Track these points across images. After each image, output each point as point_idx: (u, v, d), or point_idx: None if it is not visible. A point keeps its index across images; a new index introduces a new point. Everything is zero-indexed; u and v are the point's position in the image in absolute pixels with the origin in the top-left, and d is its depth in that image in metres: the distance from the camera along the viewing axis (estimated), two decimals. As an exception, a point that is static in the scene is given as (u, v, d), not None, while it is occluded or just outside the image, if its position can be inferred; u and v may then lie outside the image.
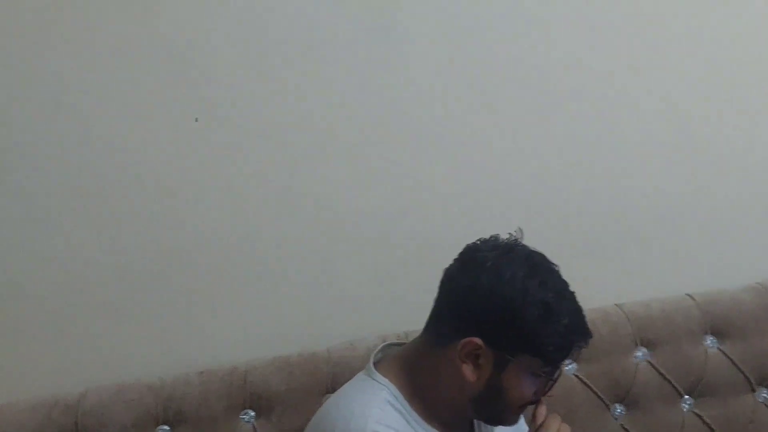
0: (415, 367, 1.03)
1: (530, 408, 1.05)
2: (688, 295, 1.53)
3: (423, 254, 1.45)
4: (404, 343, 1.11)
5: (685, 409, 1.46)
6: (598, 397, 1.43)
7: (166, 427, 1.26)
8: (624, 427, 1.43)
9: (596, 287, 1.45)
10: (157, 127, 1.33)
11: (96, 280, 1.33)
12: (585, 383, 1.42)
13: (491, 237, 1.04)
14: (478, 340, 0.96)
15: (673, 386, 1.45)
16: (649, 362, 1.45)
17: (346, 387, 1.08)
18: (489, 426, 1.10)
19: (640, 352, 1.46)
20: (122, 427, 1.24)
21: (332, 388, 1.29)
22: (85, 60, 1.28)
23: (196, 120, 1.36)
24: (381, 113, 1.42)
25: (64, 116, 1.29)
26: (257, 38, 1.35)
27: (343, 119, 1.40)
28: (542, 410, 1.04)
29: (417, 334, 1.06)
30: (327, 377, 1.31)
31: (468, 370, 0.98)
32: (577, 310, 1.00)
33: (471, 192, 1.47)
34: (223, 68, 1.34)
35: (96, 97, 1.30)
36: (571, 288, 1.01)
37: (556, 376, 1.02)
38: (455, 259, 1.04)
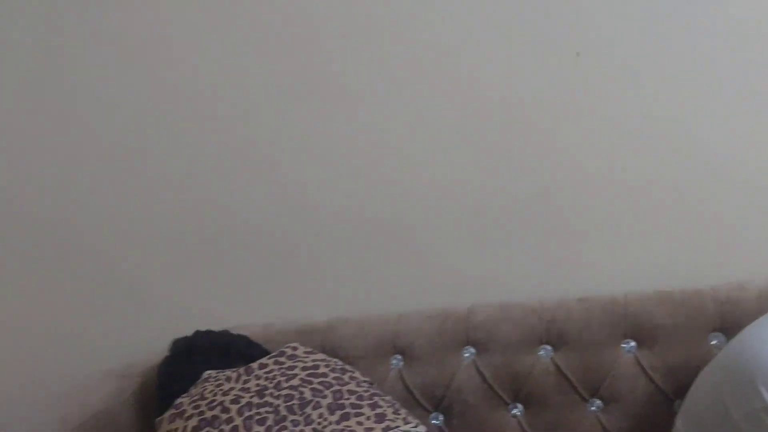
0: None
1: None
2: None
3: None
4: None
5: None
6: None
7: (549, 347, 1.34)
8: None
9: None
10: (537, 61, 1.39)
11: (488, 209, 1.45)
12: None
13: None
14: None
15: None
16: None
17: None
18: None
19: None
20: (508, 343, 1.35)
21: (721, 328, 1.26)
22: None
23: (578, 54, 1.39)
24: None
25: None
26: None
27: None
28: None
29: None
30: (714, 316, 1.27)
31: None
32: None
33: None
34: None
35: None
36: None
37: None
38: None
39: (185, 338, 1.34)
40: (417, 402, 1.36)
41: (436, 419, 1.36)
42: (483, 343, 1.36)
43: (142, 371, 1.38)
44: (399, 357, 1.39)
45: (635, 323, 1.31)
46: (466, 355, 1.37)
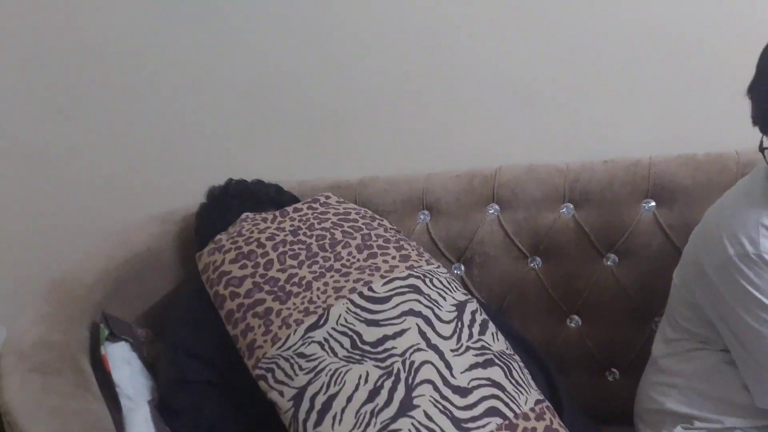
0: None
1: None
2: None
3: None
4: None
5: None
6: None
7: (571, 205, 1.39)
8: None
9: None
10: None
11: (517, 73, 1.46)
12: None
13: None
14: None
15: None
16: None
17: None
18: None
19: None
20: (532, 200, 1.40)
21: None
22: None
23: None
24: None
25: None
26: None
27: None
28: None
29: None
30: (736, 177, 1.29)
31: None
32: None
33: None
34: None
35: None
36: None
37: None
38: None
39: (220, 186, 1.41)
40: (441, 253, 1.43)
41: (458, 269, 1.44)
42: (507, 201, 1.41)
43: (182, 216, 1.46)
44: (426, 212, 1.45)
45: (657, 183, 1.34)
46: (491, 211, 1.42)
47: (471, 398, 1.01)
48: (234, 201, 1.36)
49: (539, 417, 1.03)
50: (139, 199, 1.62)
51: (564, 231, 1.38)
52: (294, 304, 1.12)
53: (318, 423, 0.99)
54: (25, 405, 1.00)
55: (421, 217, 1.45)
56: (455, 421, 0.98)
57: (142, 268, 1.35)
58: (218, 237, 1.25)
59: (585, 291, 1.38)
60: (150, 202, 1.54)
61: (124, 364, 1.18)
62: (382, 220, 1.32)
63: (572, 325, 1.41)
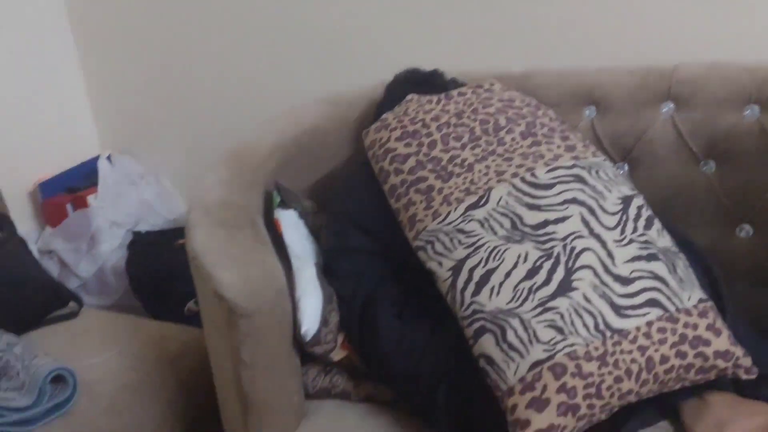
0: None
1: None
2: None
3: None
4: None
5: None
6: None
7: (757, 107, 1.29)
8: None
9: None
10: None
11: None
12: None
13: None
14: None
15: None
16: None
17: None
18: None
19: None
20: (713, 99, 1.31)
21: None
22: None
23: None
24: None
25: None
26: None
27: None
28: None
29: None
30: None
31: None
32: None
33: None
34: None
35: None
36: None
37: None
38: None
39: (404, 71, 1.42)
40: (605, 151, 1.38)
41: (622, 169, 1.39)
42: (684, 99, 1.33)
43: (348, 100, 1.50)
44: (593, 108, 1.40)
45: None
46: (665, 110, 1.35)
47: (632, 288, 1.00)
48: (401, 86, 1.38)
49: (702, 314, 1.00)
50: (309, 81, 1.69)
51: (746, 135, 1.29)
52: (455, 183, 1.15)
53: (476, 293, 1.03)
54: (211, 253, 1.11)
55: (587, 112, 1.41)
56: (614, 307, 0.98)
57: (311, 144, 1.42)
58: (384, 116, 1.29)
59: (762, 200, 1.30)
60: (319, 86, 1.61)
61: (293, 229, 1.27)
62: (548, 110, 1.30)
63: (742, 234, 1.34)
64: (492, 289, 1.02)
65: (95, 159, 2.05)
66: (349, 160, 1.44)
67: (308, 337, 1.13)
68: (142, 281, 1.90)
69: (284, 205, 1.28)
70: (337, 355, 1.20)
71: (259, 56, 1.75)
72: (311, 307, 1.15)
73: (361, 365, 1.21)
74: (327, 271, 1.23)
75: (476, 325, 1.02)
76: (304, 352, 1.17)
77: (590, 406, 0.96)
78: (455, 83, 1.40)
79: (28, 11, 1.93)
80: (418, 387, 1.10)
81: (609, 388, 0.96)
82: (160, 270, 1.86)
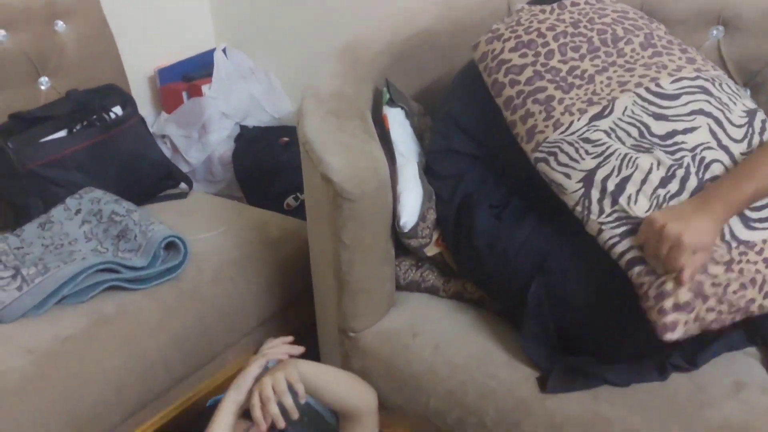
0: None
1: None
2: None
3: None
4: None
5: None
6: None
7: None
8: None
9: None
10: None
11: None
12: None
13: None
14: None
15: None
16: None
17: None
18: None
19: None
20: None
21: None
22: None
23: None
24: None
25: None
26: None
27: None
28: None
29: None
30: None
31: None
32: None
33: None
34: None
35: None
36: None
37: None
38: None
39: None
40: (728, 73, 1.32)
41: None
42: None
43: (467, 4, 1.49)
44: (720, 28, 1.34)
45: None
46: (798, 35, 1.28)
47: (760, 203, 1.00)
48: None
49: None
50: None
51: None
52: (576, 94, 1.13)
53: (613, 203, 1.03)
54: (322, 138, 1.16)
55: (714, 32, 1.34)
56: (742, 218, 0.99)
57: (423, 46, 1.43)
58: (496, 26, 1.27)
59: None
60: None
61: (400, 127, 1.30)
62: (660, 24, 1.25)
63: None
64: (629, 197, 1.03)
65: (212, 51, 2.12)
66: (462, 68, 1.44)
67: (406, 229, 1.18)
68: (246, 173, 1.99)
69: (392, 102, 1.31)
70: (431, 250, 1.25)
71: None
72: (411, 201, 1.19)
73: (452, 263, 1.26)
74: (429, 171, 1.26)
75: (623, 228, 1.02)
76: (400, 243, 1.22)
77: (719, 302, 0.97)
78: None
79: None
80: (509, 286, 1.13)
81: (735, 292, 0.98)
82: (263, 164, 1.95)
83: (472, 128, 1.26)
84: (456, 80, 1.38)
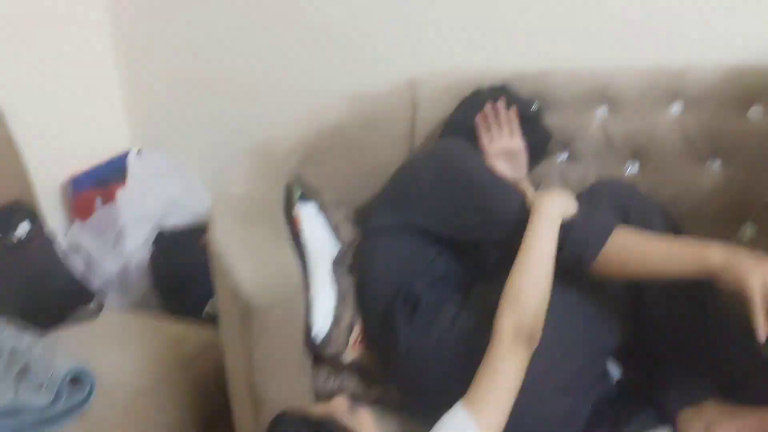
0: None
1: None
2: None
3: None
4: None
5: None
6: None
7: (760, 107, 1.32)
8: None
9: None
10: None
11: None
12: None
13: None
14: None
15: None
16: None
17: None
18: None
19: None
20: (721, 99, 1.34)
21: None
22: None
23: None
24: None
25: None
26: None
27: None
28: None
29: None
30: None
31: None
32: None
33: None
34: None
35: None
36: None
37: None
38: None
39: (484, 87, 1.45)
40: (616, 149, 1.42)
41: (631, 167, 1.43)
42: (693, 100, 1.37)
43: (374, 97, 1.54)
44: (605, 107, 1.43)
45: None
46: (674, 109, 1.39)
47: None
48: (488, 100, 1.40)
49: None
50: (332, 80, 1.74)
51: (751, 135, 1.32)
52: None
53: None
54: (229, 248, 1.12)
55: (599, 112, 1.44)
56: None
57: (332, 139, 1.45)
58: None
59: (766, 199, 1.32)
60: (343, 84, 1.65)
61: (312, 223, 1.30)
62: None
63: (747, 233, 1.37)
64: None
65: (126, 154, 2.08)
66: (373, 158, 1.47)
67: (318, 340, 1.17)
68: (163, 281, 1.91)
69: (304, 197, 1.32)
70: (349, 355, 1.22)
71: (284, 56, 1.79)
72: (325, 305, 1.19)
73: (371, 368, 1.23)
74: (340, 264, 1.27)
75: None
76: (316, 353, 1.19)
77: None
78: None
79: (65, 7, 1.95)
80: (426, 390, 1.13)
81: None
82: (181, 269, 1.87)
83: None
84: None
